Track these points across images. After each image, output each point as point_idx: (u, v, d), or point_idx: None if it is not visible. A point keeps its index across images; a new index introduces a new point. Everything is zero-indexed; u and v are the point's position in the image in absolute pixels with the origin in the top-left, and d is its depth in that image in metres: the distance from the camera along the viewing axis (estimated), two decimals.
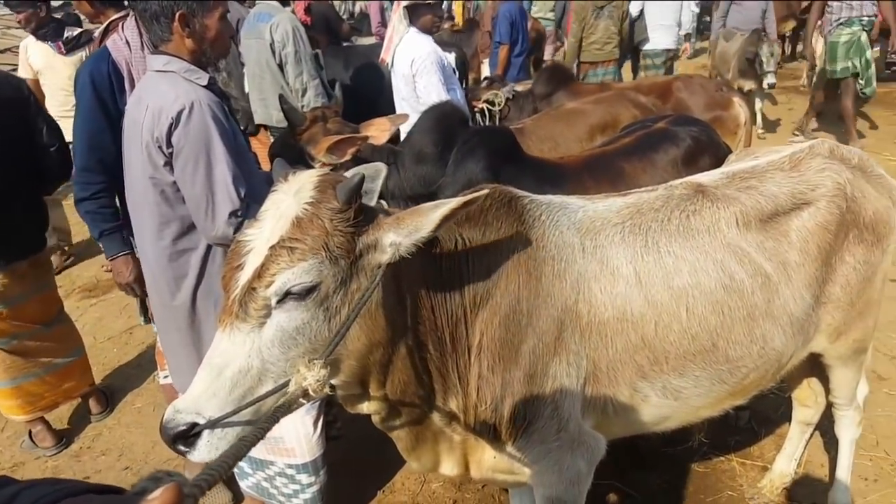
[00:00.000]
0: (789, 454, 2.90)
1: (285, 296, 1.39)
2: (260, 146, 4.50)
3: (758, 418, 3.36)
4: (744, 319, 1.91)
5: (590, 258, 1.83)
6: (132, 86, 2.85)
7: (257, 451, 2.61)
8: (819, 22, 7.49)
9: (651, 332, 1.84)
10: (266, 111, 4.55)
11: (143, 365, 4.33)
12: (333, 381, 1.59)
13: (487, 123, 4.52)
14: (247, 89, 4.64)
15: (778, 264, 1.96)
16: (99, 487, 0.82)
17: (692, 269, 1.86)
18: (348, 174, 1.59)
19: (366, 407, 1.75)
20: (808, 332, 2.13)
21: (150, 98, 2.19)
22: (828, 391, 2.63)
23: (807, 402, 2.78)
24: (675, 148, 2.75)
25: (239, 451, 1.07)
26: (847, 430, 2.64)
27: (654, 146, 2.77)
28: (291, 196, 1.47)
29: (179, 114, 2.10)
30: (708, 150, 2.75)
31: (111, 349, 4.60)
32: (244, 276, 1.41)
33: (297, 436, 2.46)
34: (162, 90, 2.18)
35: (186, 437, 1.33)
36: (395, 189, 2.93)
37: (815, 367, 2.65)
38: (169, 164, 2.17)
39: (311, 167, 2.97)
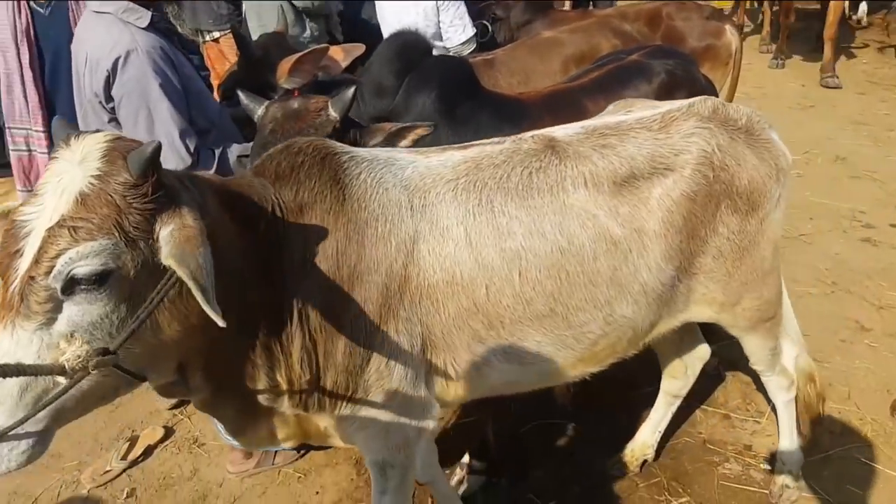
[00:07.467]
0: (654, 424, 2.77)
1: (72, 284, 1.22)
2: None
3: (726, 365, 3.24)
4: (584, 285, 1.81)
5: (418, 218, 1.73)
6: None
7: None
8: None
9: (483, 297, 1.76)
10: None
11: None
12: (151, 374, 1.46)
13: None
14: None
15: (632, 231, 1.85)
16: None
17: (527, 231, 1.76)
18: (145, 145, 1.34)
19: (183, 393, 1.65)
20: (673, 302, 2.03)
21: (88, 46, 2.06)
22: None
23: (675, 373, 2.68)
24: (647, 83, 2.51)
25: None
26: (778, 394, 2.52)
27: (623, 81, 2.53)
28: (76, 166, 1.27)
29: (115, 63, 1.98)
30: (683, 85, 2.51)
31: None
32: (23, 263, 1.22)
33: None
34: (99, 36, 2.04)
35: None
36: (356, 119, 2.84)
37: (683, 339, 2.56)
38: (114, 119, 2.07)
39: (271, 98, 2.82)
